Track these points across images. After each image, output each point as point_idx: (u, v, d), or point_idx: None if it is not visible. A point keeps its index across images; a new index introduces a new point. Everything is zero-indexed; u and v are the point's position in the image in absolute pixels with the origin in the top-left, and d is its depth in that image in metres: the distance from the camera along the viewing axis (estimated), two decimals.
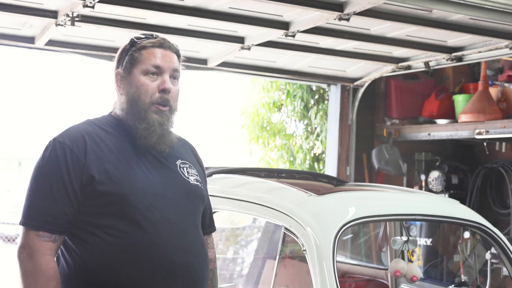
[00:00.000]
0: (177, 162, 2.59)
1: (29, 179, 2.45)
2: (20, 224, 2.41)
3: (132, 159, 2.47)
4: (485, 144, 6.92)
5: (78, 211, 2.40)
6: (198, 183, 2.62)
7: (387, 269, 4.30)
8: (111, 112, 2.61)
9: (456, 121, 6.87)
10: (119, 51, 2.61)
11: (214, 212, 3.61)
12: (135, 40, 2.58)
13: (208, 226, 2.79)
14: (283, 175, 4.31)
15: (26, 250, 2.36)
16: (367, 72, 6.82)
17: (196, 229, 2.56)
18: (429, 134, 7.07)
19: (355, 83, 7.08)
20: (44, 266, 2.34)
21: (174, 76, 2.57)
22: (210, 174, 3.94)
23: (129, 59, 2.55)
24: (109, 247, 2.37)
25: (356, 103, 7.23)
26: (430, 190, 7.05)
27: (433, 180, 7.14)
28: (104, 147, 2.46)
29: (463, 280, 6.09)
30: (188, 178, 2.59)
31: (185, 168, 2.61)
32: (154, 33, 2.65)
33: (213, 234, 2.86)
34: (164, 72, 2.53)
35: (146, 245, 2.39)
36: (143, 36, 2.60)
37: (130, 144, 2.51)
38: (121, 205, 2.39)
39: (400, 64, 6.34)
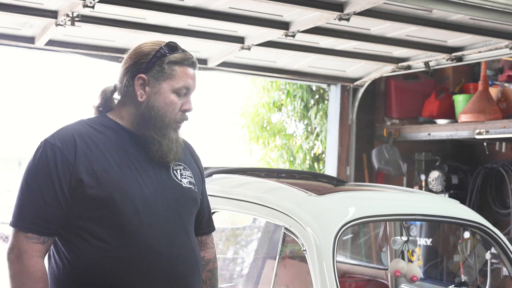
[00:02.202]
0: (170, 164, 2.55)
1: (21, 180, 2.43)
2: (10, 225, 2.40)
3: (123, 162, 2.44)
4: (485, 144, 6.92)
5: (68, 213, 2.38)
6: (191, 186, 2.58)
7: (387, 269, 4.30)
8: (106, 112, 2.56)
9: (456, 121, 6.87)
10: (142, 53, 2.50)
11: (214, 212, 3.62)
12: (167, 51, 2.50)
13: (207, 226, 2.77)
14: (283, 175, 4.31)
15: (15, 252, 2.34)
16: (367, 72, 6.82)
17: (186, 234, 2.52)
18: (429, 134, 7.07)
19: (355, 83, 7.08)
20: (31, 268, 2.33)
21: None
22: (210, 174, 3.94)
23: (159, 69, 2.47)
24: (95, 250, 2.35)
25: (356, 103, 7.23)
26: (430, 190, 7.05)
27: (433, 180, 7.14)
28: (95, 149, 2.42)
29: (463, 280, 6.09)
30: (180, 180, 2.55)
31: (178, 171, 2.57)
32: (178, 45, 2.56)
33: (213, 234, 2.84)
34: (189, 93, 2.52)
35: (132, 251, 2.37)
36: (174, 46, 2.52)
37: (123, 147, 2.47)
38: (109, 209, 2.36)
39: (400, 64, 6.34)
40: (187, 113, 2.53)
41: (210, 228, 2.80)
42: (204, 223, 2.74)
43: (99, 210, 2.37)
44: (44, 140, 2.44)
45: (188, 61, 2.52)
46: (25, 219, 2.36)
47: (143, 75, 2.48)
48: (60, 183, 2.36)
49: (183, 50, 2.54)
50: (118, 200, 2.37)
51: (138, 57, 2.50)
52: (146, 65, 2.48)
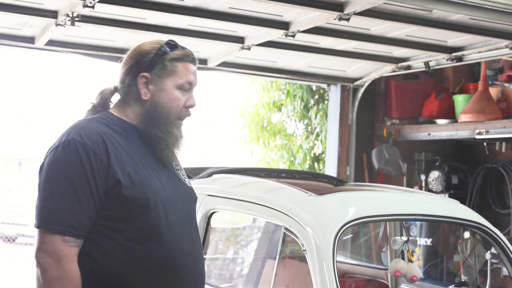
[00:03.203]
0: (173, 165, 2.59)
1: (45, 180, 2.34)
2: (39, 227, 2.31)
3: (145, 162, 2.44)
4: (485, 144, 6.92)
5: (97, 214, 2.34)
6: (191, 185, 2.64)
7: (387, 269, 4.30)
8: (109, 110, 2.54)
9: (456, 121, 6.87)
10: (143, 52, 2.50)
11: (214, 212, 3.63)
12: (168, 49, 2.52)
13: None
14: (283, 175, 4.31)
15: (52, 256, 2.26)
16: (367, 72, 6.82)
17: (197, 231, 2.59)
18: (429, 134, 7.07)
19: (355, 83, 7.08)
20: (72, 273, 2.27)
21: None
22: (210, 174, 3.94)
23: (162, 66, 2.49)
24: (127, 252, 2.33)
25: (356, 103, 7.23)
26: (430, 190, 7.05)
27: (433, 180, 7.14)
28: (121, 150, 2.39)
29: (463, 280, 6.08)
30: (184, 180, 2.60)
31: (179, 170, 2.61)
32: (177, 43, 2.58)
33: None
34: (192, 89, 2.55)
35: (163, 251, 2.38)
36: (174, 45, 2.54)
37: (138, 146, 2.47)
38: (143, 210, 2.35)
39: (400, 64, 6.34)
40: (190, 109, 2.56)
41: None
42: None
43: (132, 211, 2.34)
44: (71, 138, 2.35)
45: (189, 57, 2.54)
46: (61, 222, 2.28)
47: (145, 73, 2.48)
48: (96, 184, 2.31)
49: (183, 48, 2.57)
50: (152, 200, 2.37)
51: (139, 56, 2.51)
52: (148, 64, 2.48)
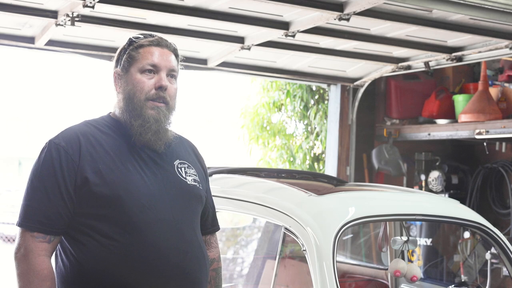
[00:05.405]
0: (174, 162, 2.58)
1: (26, 181, 2.46)
2: (16, 225, 2.43)
3: (128, 160, 2.47)
4: (485, 144, 6.92)
5: (74, 212, 2.41)
6: (196, 184, 2.60)
7: (387, 269, 4.30)
8: (110, 113, 2.61)
9: (456, 121, 6.87)
10: (117, 51, 2.62)
11: None
12: (133, 39, 2.59)
13: (211, 225, 2.78)
14: (283, 175, 4.31)
15: (22, 251, 2.37)
16: (367, 72, 6.82)
17: (193, 230, 2.54)
18: (429, 134, 7.07)
19: (355, 83, 7.08)
20: (38, 266, 2.35)
21: (172, 75, 2.57)
22: (210, 174, 3.93)
23: (126, 58, 2.55)
24: (103, 248, 2.37)
25: (356, 103, 7.23)
26: (430, 190, 7.05)
27: (433, 180, 7.14)
28: (99, 148, 2.45)
29: (463, 280, 6.09)
30: (185, 178, 2.58)
31: (182, 168, 2.60)
32: (153, 33, 2.65)
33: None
34: (160, 70, 2.54)
35: (140, 247, 2.38)
36: (141, 36, 2.60)
37: (126, 145, 2.50)
38: (115, 207, 2.39)
39: (400, 64, 6.34)
40: (162, 91, 2.52)
41: (215, 227, 2.81)
42: (208, 223, 2.76)
43: (105, 208, 2.39)
44: (49, 140, 2.47)
45: (153, 42, 2.58)
46: (31, 218, 2.39)
47: (116, 69, 2.58)
48: (65, 183, 2.39)
49: (151, 36, 2.60)
50: (124, 197, 2.39)
51: (116, 55, 2.62)
52: (118, 60, 2.59)
